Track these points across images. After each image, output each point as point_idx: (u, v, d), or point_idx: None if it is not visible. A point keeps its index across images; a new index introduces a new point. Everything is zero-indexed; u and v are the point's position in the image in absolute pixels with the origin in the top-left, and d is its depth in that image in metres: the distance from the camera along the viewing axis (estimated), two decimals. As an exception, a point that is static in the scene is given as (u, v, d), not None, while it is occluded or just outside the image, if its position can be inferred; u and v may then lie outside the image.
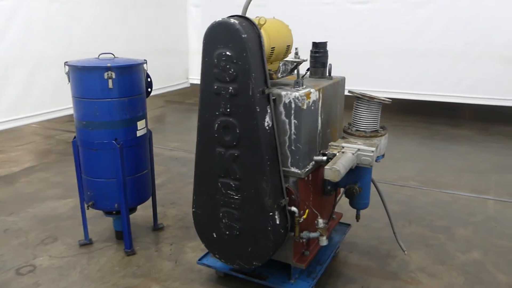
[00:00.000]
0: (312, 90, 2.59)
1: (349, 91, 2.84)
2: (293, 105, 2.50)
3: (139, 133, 3.39)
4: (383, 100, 2.69)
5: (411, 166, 5.44)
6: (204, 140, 2.62)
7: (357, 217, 3.08)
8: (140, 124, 3.39)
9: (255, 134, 2.43)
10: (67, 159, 5.75)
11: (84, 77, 3.16)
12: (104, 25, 7.46)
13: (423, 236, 3.79)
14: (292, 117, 2.52)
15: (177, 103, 9.56)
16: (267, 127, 2.46)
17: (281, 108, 2.54)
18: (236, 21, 2.32)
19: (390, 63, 7.50)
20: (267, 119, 2.46)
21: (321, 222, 2.71)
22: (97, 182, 3.34)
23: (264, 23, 2.44)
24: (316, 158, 2.68)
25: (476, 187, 4.84)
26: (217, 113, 2.51)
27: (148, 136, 3.56)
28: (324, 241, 2.73)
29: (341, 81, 3.11)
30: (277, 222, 2.56)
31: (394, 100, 2.93)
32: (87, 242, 3.61)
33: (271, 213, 2.54)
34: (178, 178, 5.13)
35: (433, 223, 4.03)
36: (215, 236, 2.77)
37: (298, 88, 2.55)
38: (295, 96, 2.48)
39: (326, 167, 2.38)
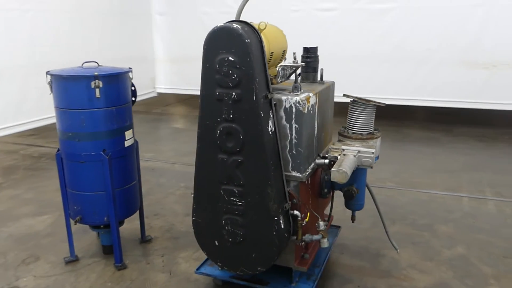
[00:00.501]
0: (311, 94, 2.62)
1: (344, 95, 2.90)
2: (294, 110, 2.51)
3: (127, 143, 3.30)
4: (378, 103, 2.77)
5: (386, 168, 5.59)
6: (205, 147, 2.58)
7: (353, 218, 3.13)
8: (128, 134, 3.31)
9: (259, 139, 2.42)
10: (36, 174, 5.50)
11: (70, 86, 3.04)
12: (68, 34, 7.26)
13: (408, 234, 3.91)
14: (293, 121, 2.54)
15: (144, 113, 9.36)
16: (270, 132, 2.46)
17: (282, 113, 2.55)
18: (239, 26, 2.31)
19: (354, 68, 7.71)
20: (270, 124, 2.46)
21: (322, 224, 2.73)
22: (84, 196, 3.21)
23: (264, 28, 2.45)
24: (318, 161, 2.71)
25: (449, 186, 5.05)
26: (219, 119, 2.48)
27: (135, 146, 3.47)
28: (325, 243, 2.76)
29: (332, 86, 3.17)
30: (282, 227, 2.56)
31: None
32: (73, 259, 3.44)
33: (276, 218, 2.53)
34: (157, 189, 5.02)
35: (416, 221, 4.17)
36: (217, 244, 2.73)
37: (297, 93, 2.57)
38: (296, 100, 2.50)
39: (332, 169, 2.40)
